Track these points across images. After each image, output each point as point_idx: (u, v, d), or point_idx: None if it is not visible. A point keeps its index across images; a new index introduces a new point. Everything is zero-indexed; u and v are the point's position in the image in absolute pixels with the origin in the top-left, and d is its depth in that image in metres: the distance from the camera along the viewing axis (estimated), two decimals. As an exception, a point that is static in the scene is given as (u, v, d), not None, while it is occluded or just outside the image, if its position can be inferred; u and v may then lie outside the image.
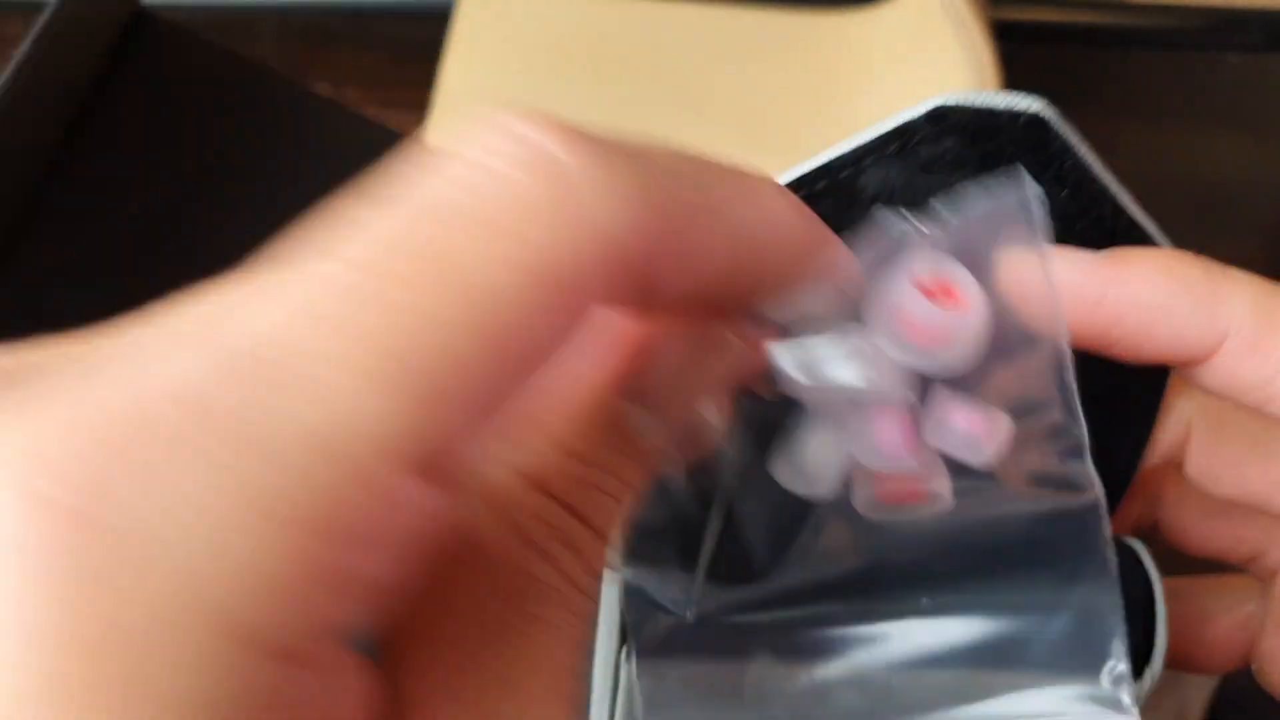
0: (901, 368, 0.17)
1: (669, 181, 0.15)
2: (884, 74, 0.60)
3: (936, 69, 0.55)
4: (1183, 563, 0.26)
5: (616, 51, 0.63)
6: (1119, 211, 0.20)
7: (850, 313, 0.17)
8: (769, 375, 0.17)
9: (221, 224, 0.39)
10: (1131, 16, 0.66)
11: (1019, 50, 0.64)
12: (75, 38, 0.36)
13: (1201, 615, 0.26)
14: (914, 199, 0.19)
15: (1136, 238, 0.20)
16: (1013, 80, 0.53)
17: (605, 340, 0.16)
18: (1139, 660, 0.25)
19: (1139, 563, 0.25)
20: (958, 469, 0.19)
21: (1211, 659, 0.27)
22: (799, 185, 0.20)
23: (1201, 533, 0.26)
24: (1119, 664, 0.21)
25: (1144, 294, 0.20)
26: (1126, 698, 0.22)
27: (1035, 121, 0.19)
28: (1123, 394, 0.22)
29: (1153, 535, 0.26)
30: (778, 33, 0.64)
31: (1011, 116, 0.19)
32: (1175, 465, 0.24)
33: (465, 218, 0.13)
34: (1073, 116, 0.70)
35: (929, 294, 0.17)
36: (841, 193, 0.19)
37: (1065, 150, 0.19)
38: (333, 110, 0.45)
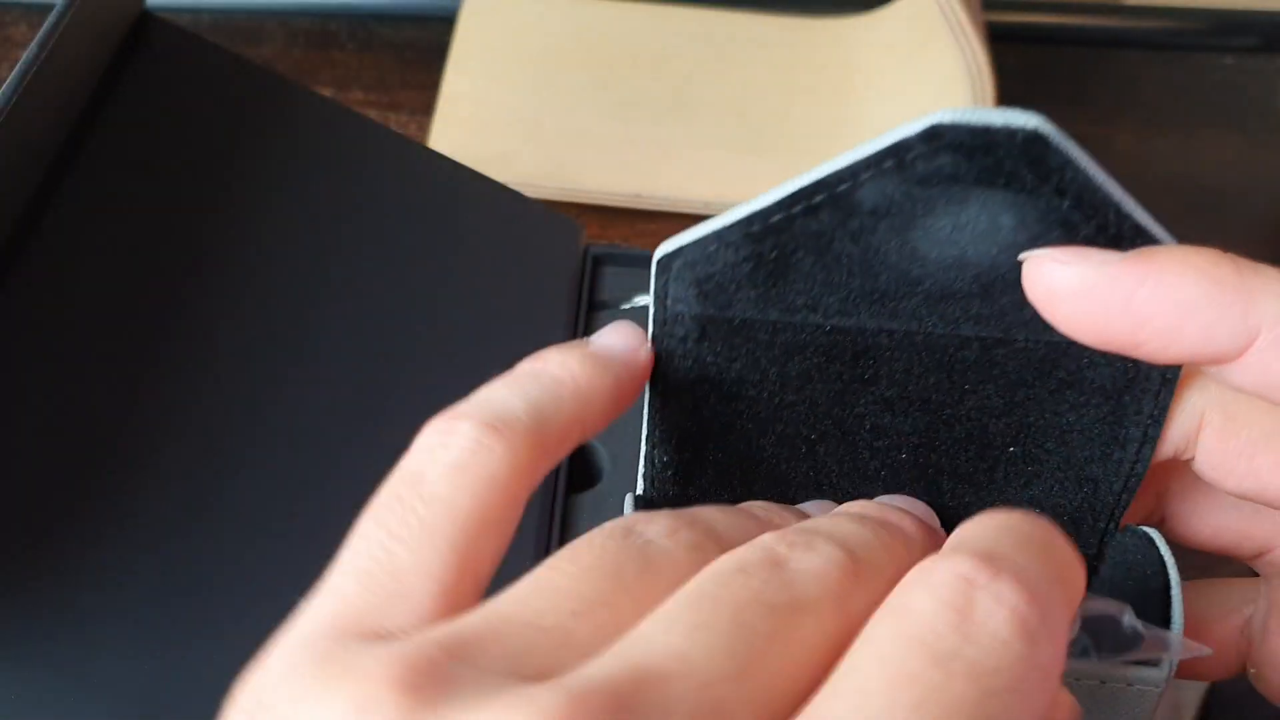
0: None
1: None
2: (882, 79, 0.60)
3: (933, 73, 0.55)
4: (1186, 558, 0.26)
5: (618, 55, 0.63)
6: (1124, 217, 0.20)
7: None
8: None
9: (226, 225, 0.39)
10: (1125, 19, 0.67)
11: (1014, 53, 0.64)
12: (81, 41, 0.36)
13: (1197, 620, 0.26)
14: (911, 212, 0.20)
15: (1143, 242, 0.20)
16: (1008, 83, 0.53)
17: None
18: None
19: (1153, 547, 0.25)
20: None
21: (1208, 665, 0.26)
22: (797, 199, 0.20)
23: (1210, 527, 0.25)
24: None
25: (1174, 293, 0.19)
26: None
27: (1033, 138, 0.19)
28: (1131, 387, 0.22)
29: (1160, 530, 0.26)
30: (777, 38, 0.64)
31: (1008, 134, 0.19)
32: (1184, 460, 0.24)
33: None
34: (1067, 118, 0.70)
35: None
36: (839, 207, 0.20)
37: (1065, 163, 0.19)
38: (336, 113, 0.45)
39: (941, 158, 0.19)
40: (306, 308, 0.39)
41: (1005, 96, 0.53)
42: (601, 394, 0.22)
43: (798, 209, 0.20)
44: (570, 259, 0.48)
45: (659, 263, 0.21)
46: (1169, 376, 0.22)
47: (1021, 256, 0.20)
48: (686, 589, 0.18)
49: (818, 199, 0.20)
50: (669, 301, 0.21)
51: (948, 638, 0.16)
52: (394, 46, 0.66)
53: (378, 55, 0.65)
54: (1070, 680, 0.23)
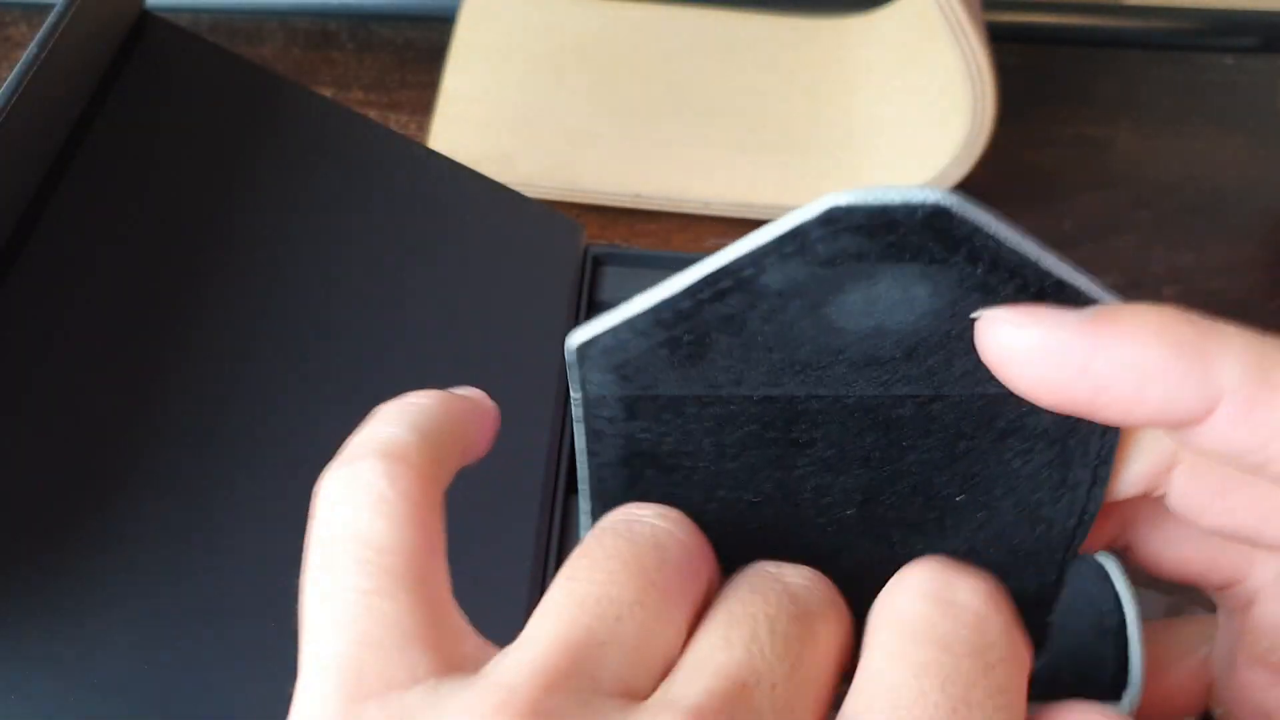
0: None
1: None
2: (882, 79, 0.61)
3: (934, 73, 0.56)
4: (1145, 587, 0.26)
5: (618, 56, 0.64)
6: (1044, 274, 0.20)
7: None
8: None
9: (226, 226, 0.39)
10: (1126, 19, 0.67)
11: (1015, 52, 0.64)
12: (81, 40, 0.36)
13: (1153, 663, 0.25)
14: (820, 291, 0.20)
15: (1068, 296, 0.20)
16: (1008, 82, 0.53)
17: None
18: (1116, 686, 0.25)
19: (1108, 581, 0.25)
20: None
21: (1165, 709, 0.26)
22: (704, 285, 0.20)
23: (1175, 557, 0.25)
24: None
25: (1133, 357, 0.18)
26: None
27: (933, 213, 0.18)
28: (1076, 430, 0.22)
29: (1123, 559, 0.25)
30: (777, 37, 0.64)
31: (907, 211, 0.18)
32: (1155, 496, 0.23)
33: None
34: (1067, 118, 0.70)
35: None
36: (746, 291, 0.20)
37: (973, 231, 0.19)
38: (336, 113, 0.45)
39: (843, 240, 0.19)
40: (306, 308, 0.39)
41: (1006, 96, 0.53)
42: (464, 410, 0.23)
43: (705, 295, 0.20)
44: (570, 259, 0.48)
45: (577, 351, 0.21)
46: None
47: (974, 316, 0.20)
48: (718, 613, 0.20)
49: (723, 284, 0.20)
50: (590, 386, 0.21)
51: (941, 624, 0.19)
52: (394, 46, 0.66)
53: (377, 55, 0.65)
54: None
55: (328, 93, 0.60)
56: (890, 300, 0.20)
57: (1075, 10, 0.67)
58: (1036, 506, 0.23)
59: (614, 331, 0.21)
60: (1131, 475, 0.22)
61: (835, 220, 0.19)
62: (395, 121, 0.61)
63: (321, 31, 0.66)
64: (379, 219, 0.43)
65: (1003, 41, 0.55)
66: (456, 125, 0.60)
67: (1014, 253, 0.19)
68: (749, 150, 0.59)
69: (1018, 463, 0.22)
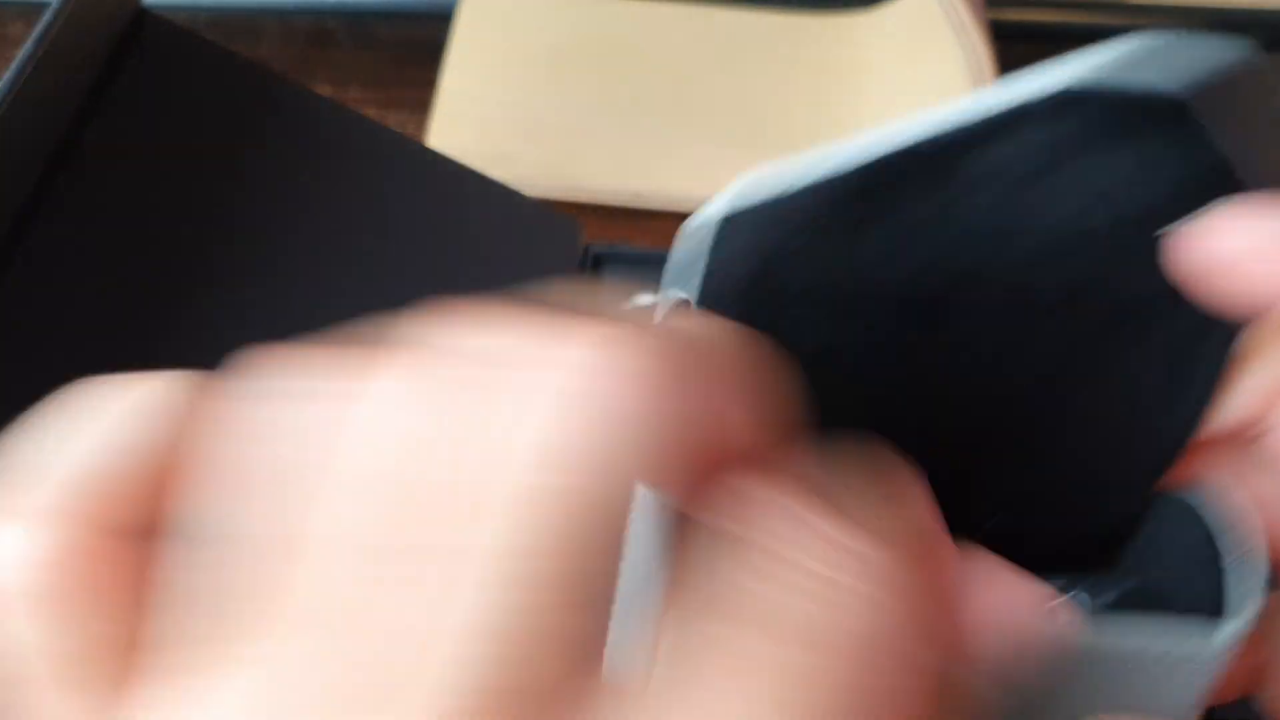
0: None
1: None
2: (884, 75, 0.60)
3: (936, 71, 0.55)
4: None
5: (616, 53, 0.63)
6: (1263, 181, 0.18)
7: None
8: None
9: (223, 224, 0.39)
10: (1128, 17, 0.67)
11: (1018, 51, 0.64)
12: (77, 38, 0.36)
13: None
14: (1008, 182, 0.18)
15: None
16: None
17: None
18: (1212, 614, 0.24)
19: (1200, 521, 0.24)
20: None
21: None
22: (883, 166, 0.18)
23: None
24: None
25: None
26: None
27: (1173, 102, 0.17)
28: (1204, 338, 0.20)
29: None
30: (778, 35, 0.64)
31: (1146, 98, 0.17)
32: (1237, 438, 0.21)
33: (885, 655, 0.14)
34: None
35: None
36: (938, 173, 0.18)
37: (1202, 128, 0.17)
38: (334, 111, 0.45)
39: (1066, 122, 0.17)
40: (304, 307, 0.39)
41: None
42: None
43: (882, 177, 0.18)
44: (570, 259, 0.48)
45: (721, 222, 0.19)
46: (1226, 338, 0.20)
47: (1193, 221, 0.18)
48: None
49: (903, 168, 0.18)
50: (719, 263, 0.19)
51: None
52: (392, 44, 0.65)
53: (375, 53, 0.65)
54: (1117, 659, 0.22)
55: (325, 91, 0.60)
56: (1086, 193, 0.18)
57: (1078, 8, 0.66)
58: (1145, 415, 0.21)
59: (767, 207, 0.19)
60: (1238, 400, 0.21)
61: (1066, 102, 0.17)
62: (393, 120, 0.61)
63: (319, 29, 0.66)
64: (377, 218, 0.43)
65: (1004, 39, 0.55)
66: (455, 124, 0.60)
67: (1235, 153, 0.18)
68: (750, 149, 0.59)
69: (1139, 366, 0.21)
